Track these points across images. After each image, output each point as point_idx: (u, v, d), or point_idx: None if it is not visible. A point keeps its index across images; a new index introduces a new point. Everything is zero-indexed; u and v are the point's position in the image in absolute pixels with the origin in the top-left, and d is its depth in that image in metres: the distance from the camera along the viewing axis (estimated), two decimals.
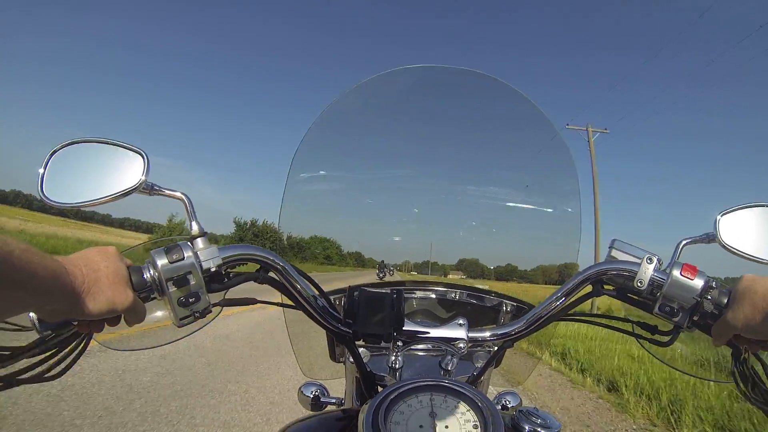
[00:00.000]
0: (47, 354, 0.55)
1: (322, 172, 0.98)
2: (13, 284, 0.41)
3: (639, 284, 0.69)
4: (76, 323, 0.55)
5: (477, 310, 1.07)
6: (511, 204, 1.07)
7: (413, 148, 1.14)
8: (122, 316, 0.57)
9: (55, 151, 0.65)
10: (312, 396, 1.10)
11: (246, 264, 0.70)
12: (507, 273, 1.41)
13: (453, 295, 1.07)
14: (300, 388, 1.13)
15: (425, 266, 1.41)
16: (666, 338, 0.75)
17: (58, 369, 0.57)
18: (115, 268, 0.55)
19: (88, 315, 0.51)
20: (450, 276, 1.46)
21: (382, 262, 1.46)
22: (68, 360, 0.57)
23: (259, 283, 0.71)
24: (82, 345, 0.59)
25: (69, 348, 0.57)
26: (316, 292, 0.76)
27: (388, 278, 1.36)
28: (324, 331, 0.83)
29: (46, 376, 0.55)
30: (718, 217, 0.75)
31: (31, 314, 0.52)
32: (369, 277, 1.35)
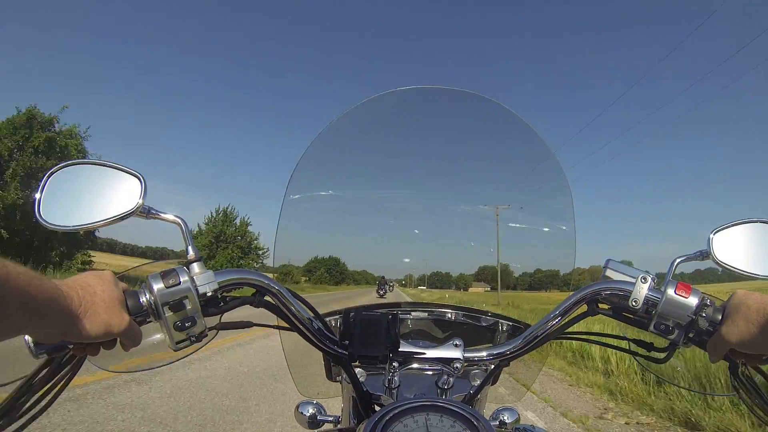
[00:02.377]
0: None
1: (319, 192, 0.98)
2: (9, 306, 0.41)
3: (634, 303, 0.69)
4: (71, 346, 0.55)
5: (473, 330, 1.07)
6: (507, 222, 1.07)
7: (410, 167, 1.15)
8: (118, 339, 0.57)
9: (52, 173, 0.65)
10: (309, 414, 1.09)
11: (242, 288, 0.70)
12: (541, 281, 1.38)
13: (449, 316, 1.07)
14: (297, 407, 1.12)
15: (437, 278, 1.38)
16: (662, 355, 0.75)
17: (48, 398, 0.56)
18: (110, 291, 0.55)
19: (84, 337, 0.51)
20: (471, 289, 1.43)
21: (383, 278, 1.45)
22: (60, 385, 0.57)
23: (255, 306, 0.71)
24: (72, 366, 0.58)
25: (62, 372, 0.57)
26: (312, 315, 0.76)
27: (388, 293, 1.36)
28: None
29: (40, 407, 0.55)
30: (711, 234, 0.77)
31: (27, 337, 0.52)
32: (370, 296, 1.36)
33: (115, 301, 0.55)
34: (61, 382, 0.58)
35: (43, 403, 0.56)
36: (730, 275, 0.81)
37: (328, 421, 1.11)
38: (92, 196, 0.66)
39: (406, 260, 1.17)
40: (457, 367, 0.77)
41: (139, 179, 0.66)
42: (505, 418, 1.18)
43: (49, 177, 0.65)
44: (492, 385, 0.95)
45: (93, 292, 0.53)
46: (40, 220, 0.62)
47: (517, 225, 1.05)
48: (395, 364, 0.77)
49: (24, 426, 0.52)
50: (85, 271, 0.56)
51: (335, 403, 1.05)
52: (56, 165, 0.66)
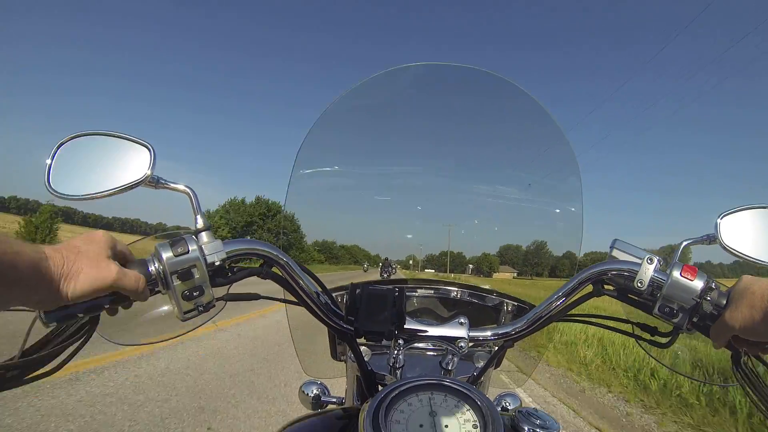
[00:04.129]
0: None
1: (325, 169, 0.98)
2: None
3: (639, 284, 0.69)
4: (81, 314, 0.55)
5: (478, 310, 1.07)
6: (514, 201, 1.07)
7: (416, 145, 1.14)
8: (127, 297, 0.57)
9: (62, 143, 0.65)
10: (313, 395, 1.10)
11: (250, 259, 0.70)
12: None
13: (454, 294, 1.07)
14: (301, 387, 1.12)
15: (448, 260, 1.31)
16: (665, 339, 0.75)
17: (59, 360, 0.56)
18: (96, 246, 0.54)
19: (76, 297, 0.50)
20: (497, 275, 1.32)
21: (386, 259, 1.44)
22: (70, 350, 0.57)
23: (263, 278, 0.71)
24: (84, 336, 0.58)
25: (73, 339, 0.57)
26: (319, 289, 0.76)
27: (392, 277, 1.35)
28: (325, 331, 0.83)
29: (49, 370, 0.55)
30: (719, 219, 0.76)
31: None
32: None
33: (101, 254, 0.53)
34: (73, 347, 0.58)
35: (54, 364, 0.56)
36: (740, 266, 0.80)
37: (332, 402, 1.11)
38: (101, 167, 0.65)
39: (409, 236, 1.16)
40: (461, 346, 0.77)
41: (149, 149, 0.66)
42: (507, 403, 1.18)
43: (59, 147, 0.64)
44: (495, 368, 0.95)
45: (77, 251, 0.52)
46: (50, 189, 0.62)
47: (525, 205, 1.05)
48: (400, 341, 0.77)
49: (27, 381, 0.52)
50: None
51: (339, 384, 1.05)
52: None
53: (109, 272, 0.53)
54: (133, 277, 0.56)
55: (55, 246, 0.51)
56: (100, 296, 0.54)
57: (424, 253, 1.30)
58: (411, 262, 1.31)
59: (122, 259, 0.58)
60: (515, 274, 1.32)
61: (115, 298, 0.57)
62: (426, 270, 1.31)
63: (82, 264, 0.51)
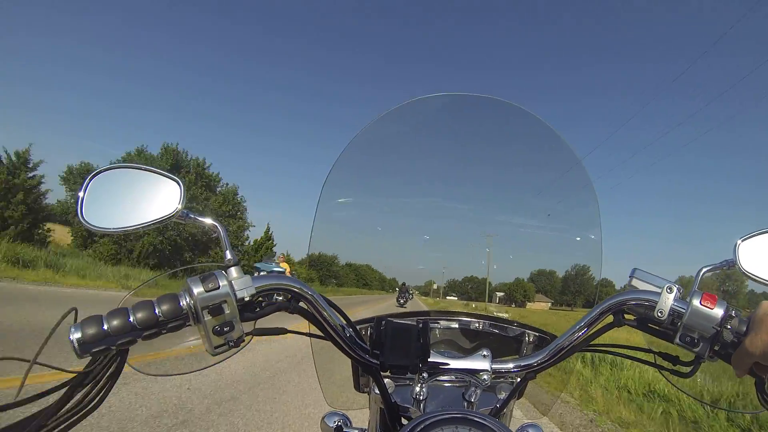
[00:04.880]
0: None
1: (352, 199, 0.99)
2: None
3: (659, 314, 0.69)
4: (114, 347, 0.55)
5: (499, 340, 1.06)
6: (534, 230, 1.07)
7: (436, 174, 1.16)
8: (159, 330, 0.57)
9: (94, 175, 0.66)
10: (335, 426, 1.07)
11: (278, 294, 0.71)
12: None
13: (476, 325, 1.06)
14: (323, 418, 1.10)
15: (469, 285, 1.21)
16: (687, 369, 0.74)
17: (97, 399, 0.56)
18: None
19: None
20: (531, 305, 1.20)
21: (403, 284, 1.41)
22: (105, 387, 0.57)
23: (290, 312, 0.71)
24: (115, 369, 0.58)
25: (107, 375, 0.57)
26: (344, 322, 0.76)
27: (409, 304, 1.32)
28: (348, 360, 0.83)
29: (86, 409, 0.54)
30: (738, 242, 0.76)
31: (72, 336, 0.52)
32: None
33: None
34: (108, 383, 0.57)
35: (93, 403, 0.55)
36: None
37: None
38: (133, 200, 0.67)
39: (421, 267, 1.15)
40: (485, 379, 0.77)
41: (179, 184, 0.68)
42: None
43: (92, 179, 0.66)
44: (518, 399, 0.94)
45: None
46: (82, 220, 0.63)
47: (545, 232, 1.05)
48: (424, 374, 0.76)
49: (71, 425, 0.52)
50: None
51: (360, 415, 1.03)
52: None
53: None
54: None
55: None
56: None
57: (446, 278, 1.25)
58: (435, 287, 1.25)
59: None
60: (550, 304, 1.23)
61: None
62: (448, 297, 1.27)
63: None
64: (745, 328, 0.64)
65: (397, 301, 1.38)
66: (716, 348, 0.67)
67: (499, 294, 1.19)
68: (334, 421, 1.07)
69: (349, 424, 1.09)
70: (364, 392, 1.00)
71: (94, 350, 0.53)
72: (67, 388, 0.51)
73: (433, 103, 1.03)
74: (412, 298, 1.38)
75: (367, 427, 0.98)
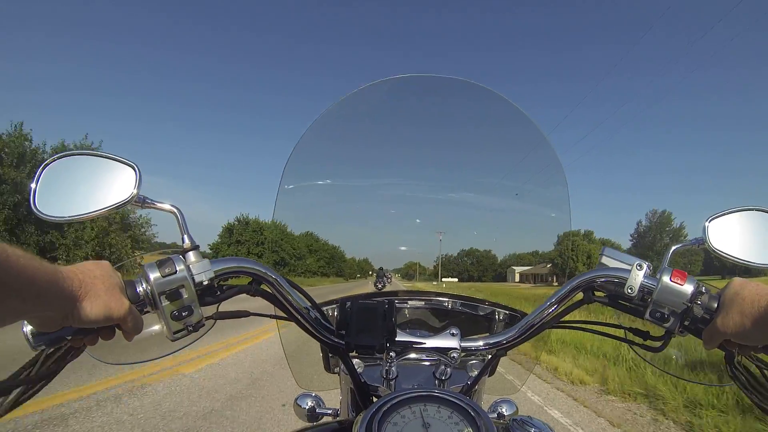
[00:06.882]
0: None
1: (314, 182, 0.98)
2: (11, 291, 0.41)
3: (629, 290, 0.70)
4: (69, 337, 0.54)
5: (470, 319, 1.07)
6: (501, 208, 1.07)
7: (404, 155, 1.14)
8: (117, 329, 0.57)
9: (46, 165, 0.65)
10: (307, 407, 1.09)
11: (238, 277, 0.70)
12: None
13: (446, 305, 1.07)
14: (295, 400, 1.12)
15: (469, 261, 1.21)
16: (658, 343, 0.75)
17: (39, 385, 0.56)
18: (110, 277, 0.54)
19: (85, 321, 0.50)
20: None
21: (381, 268, 1.41)
22: (50, 372, 0.57)
23: (252, 295, 0.71)
24: (70, 357, 0.58)
25: (61, 359, 0.57)
26: (309, 304, 0.76)
27: (387, 286, 1.32)
28: (317, 343, 0.83)
29: (28, 394, 0.55)
30: (707, 222, 0.77)
31: (25, 328, 0.52)
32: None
33: (114, 286, 0.54)
34: (54, 369, 0.57)
35: (34, 389, 0.55)
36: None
37: (326, 414, 1.10)
38: (87, 187, 0.65)
39: (403, 248, 1.15)
40: (454, 357, 0.77)
41: (134, 169, 0.66)
42: (503, 410, 1.18)
43: (44, 168, 0.64)
44: (489, 376, 0.95)
45: (93, 276, 0.52)
46: (36, 210, 0.62)
47: (513, 212, 1.05)
48: (392, 354, 0.77)
49: (12, 406, 0.52)
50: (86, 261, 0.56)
51: (334, 395, 1.05)
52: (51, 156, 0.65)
53: (121, 305, 0.54)
54: (138, 318, 0.58)
55: (70, 268, 0.51)
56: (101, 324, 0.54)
57: (434, 255, 1.25)
58: (411, 272, 1.26)
59: (121, 290, 0.58)
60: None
61: (112, 326, 0.57)
62: (445, 280, 1.26)
63: (99, 291, 0.52)
64: (715, 305, 0.65)
65: (375, 286, 1.37)
66: (686, 323, 0.68)
67: (518, 269, 1.26)
68: (307, 403, 1.09)
69: (321, 405, 1.11)
70: (334, 373, 1.01)
71: (47, 341, 0.53)
72: (7, 378, 0.52)
73: (397, 84, 1.00)
74: (391, 281, 1.37)
75: (339, 408, 1.00)
